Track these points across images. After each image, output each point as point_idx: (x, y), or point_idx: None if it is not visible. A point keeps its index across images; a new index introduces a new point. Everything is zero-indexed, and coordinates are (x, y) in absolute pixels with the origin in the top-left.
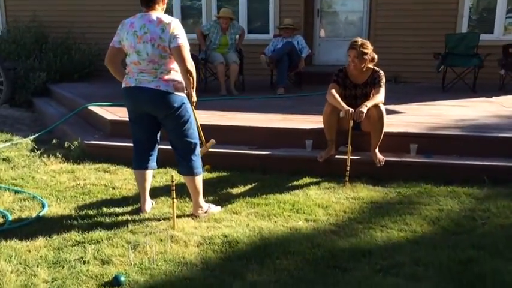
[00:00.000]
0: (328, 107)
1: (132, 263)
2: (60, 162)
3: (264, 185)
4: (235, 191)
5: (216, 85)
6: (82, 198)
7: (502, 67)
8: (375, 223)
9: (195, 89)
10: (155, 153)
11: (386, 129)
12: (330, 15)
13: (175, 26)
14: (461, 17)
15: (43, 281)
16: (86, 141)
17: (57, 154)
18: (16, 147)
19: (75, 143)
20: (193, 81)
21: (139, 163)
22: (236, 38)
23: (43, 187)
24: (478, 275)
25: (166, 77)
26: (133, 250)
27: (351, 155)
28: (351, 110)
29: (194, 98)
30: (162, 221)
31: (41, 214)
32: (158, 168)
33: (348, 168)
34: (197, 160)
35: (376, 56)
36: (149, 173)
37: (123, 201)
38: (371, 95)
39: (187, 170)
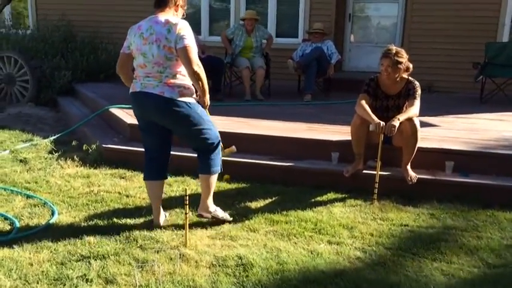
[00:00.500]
0: (358, 119)
1: (138, 284)
2: (77, 166)
3: (285, 200)
4: (254, 205)
5: (241, 90)
6: (94, 207)
7: None
8: (405, 249)
9: (206, 92)
10: (166, 162)
11: (419, 144)
12: (362, 20)
13: (182, 26)
14: (502, 25)
15: None
16: (104, 145)
17: (75, 157)
18: (35, 148)
19: (93, 146)
20: (202, 84)
21: (150, 173)
22: (263, 42)
23: (56, 192)
24: None
25: (172, 81)
26: (140, 269)
27: (380, 171)
28: (382, 123)
29: (207, 101)
30: (175, 236)
31: (50, 222)
32: (175, 176)
33: (376, 185)
34: (217, 158)
35: (411, 66)
36: (161, 184)
37: (136, 211)
38: (404, 108)
39: (205, 168)
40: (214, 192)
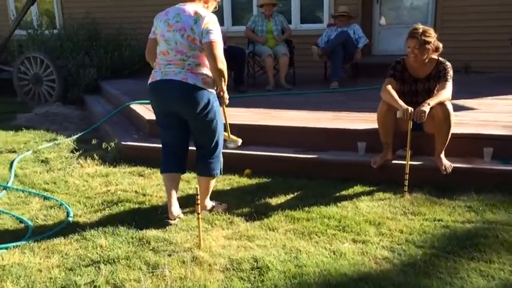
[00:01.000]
0: (384, 106)
1: None
2: (96, 165)
3: (308, 195)
4: (274, 201)
5: (265, 79)
6: (109, 208)
7: None
8: (438, 248)
9: (225, 88)
10: (185, 157)
11: (454, 129)
12: (391, 1)
13: (210, 20)
14: None
15: None
16: (122, 142)
17: (95, 156)
18: (57, 148)
19: (112, 144)
20: (224, 80)
21: (166, 166)
22: (279, 29)
23: (73, 193)
24: None
25: (195, 70)
26: (150, 274)
27: (410, 160)
28: (410, 109)
29: (226, 97)
30: (189, 237)
31: (62, 226)
32: (194, 172)
33: (406, 176)
34: (218, 161)
35: (441, 45)
36: (177, 177)
37: (151, 211)
38: (435, 91)
39: (207, 170)
40: (234, 188)
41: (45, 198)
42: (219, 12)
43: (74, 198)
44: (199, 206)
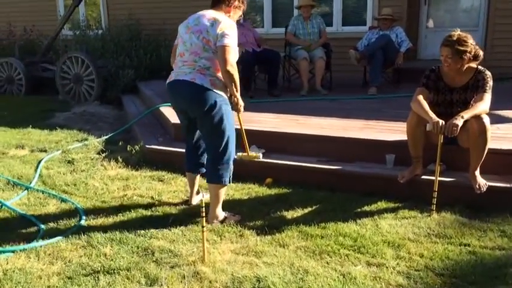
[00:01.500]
0: (413, 117)
1: None
2: (119, 167)
3: (327, 208)
4: (290, 214)
5: (300, 83)
6: (122, 213)
7: None
8: (460, 277)
9: (238, 94)
10: (204, 157)
11: (492, 144)
12: (440, 3)
13: (226, 25)
14: None
15: None
16: (147, 146)
17: (118, 158)
18: (86, 148)
19: (136, 147)
20: (234, 85)
21: (188, 165)
22: (315, 32)
23: (90, 196)
24: None
25: (204, 71)
26: None
27: (441, 176)
28: (441, 122)
29: (240, 102)
30: (195, 249)
31: (73, 230)
32: None
33: (435, 194)
34: (227, 169)
35: (481, 53)
36: (192, 176)
37: (163, 220)
38: (472, 102)
39: (215, 177)
40: (251, 198)
41: (63, 200)
42: (259, 14)
43: (90, 201)
44: (204, 218)
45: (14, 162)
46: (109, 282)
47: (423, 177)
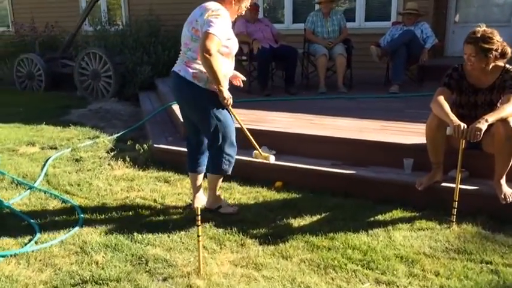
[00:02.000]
0: (434, 120)
1: None
2: (127, 167)
3: (338, 217)
4: (298, 222)
5: (318, 81)
6: (122, 217)
7: None
8: None
9: (220, 85)
10: (204, 156)
11: None
12: None
13: (215, 13)
14: None
15: None
16: (155, 145)
17: (126, 157)
18: (96, 146)
19: (145, 146)
20: (211, 74)
21: (189, 164)
22: (335, 30)
23: (93, 197)
24: None
25: (190, 63)
26: None
27: (464, 184)
28: (463, 125)
29: (225, 95)
30: (192, 259)
31: (69, 235)
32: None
33: (455, 203)
34: (222, 158)
35: (509, 50)
36: (194, 176)
37: (162, 225)
38: (498, 104)
39: (211, 166)
40: (258, 203)
41: (64, 201)
42: (279, 9)
43: (92, 203)
44: (199, 227)
45: (23, 160)
46: None
47: (443, 184)
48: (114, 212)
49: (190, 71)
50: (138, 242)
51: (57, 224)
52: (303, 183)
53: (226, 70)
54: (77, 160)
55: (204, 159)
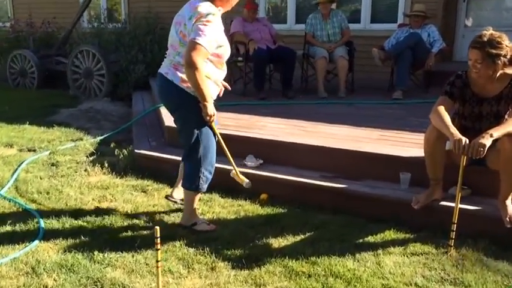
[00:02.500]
0: (433, 132)
1: None
2: (104, 173)
3: (324, 237)
4: (278, 243)
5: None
6: (85, 232)
7: None
8: None
9: (204, 97)
10: None
11: None
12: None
13: (204, 19)
14: None
15: None
16: (136, 150)
17: (105, 163)
18: (76, 150)
19: (124, 151)
20: (197, 89)
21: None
22: (336, 32)
23: (60, 208)
24: None
25: (179, 67)
26: None
27: (465, 204)
28: (465, 140)
29: (209, 111)
30: (153, 284)
31: (23, 251)
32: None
33: (453, 226)
34: (195, 173)
35: None
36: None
37: (128, 242)
38: (506, 116)
39: (187, 181)
40: (239, 219)
41: (27, 211)
42: (282, 9)
43: (57, 214)
44: (159, 251)
45: None
46: None
47: (442, 203)
48: (79, 225)
49: (179, 74)
50: (98, 262)
51: (14, 237)
52: (289, 196)
53: (216, 78)
54: (52, 164)
55: None
